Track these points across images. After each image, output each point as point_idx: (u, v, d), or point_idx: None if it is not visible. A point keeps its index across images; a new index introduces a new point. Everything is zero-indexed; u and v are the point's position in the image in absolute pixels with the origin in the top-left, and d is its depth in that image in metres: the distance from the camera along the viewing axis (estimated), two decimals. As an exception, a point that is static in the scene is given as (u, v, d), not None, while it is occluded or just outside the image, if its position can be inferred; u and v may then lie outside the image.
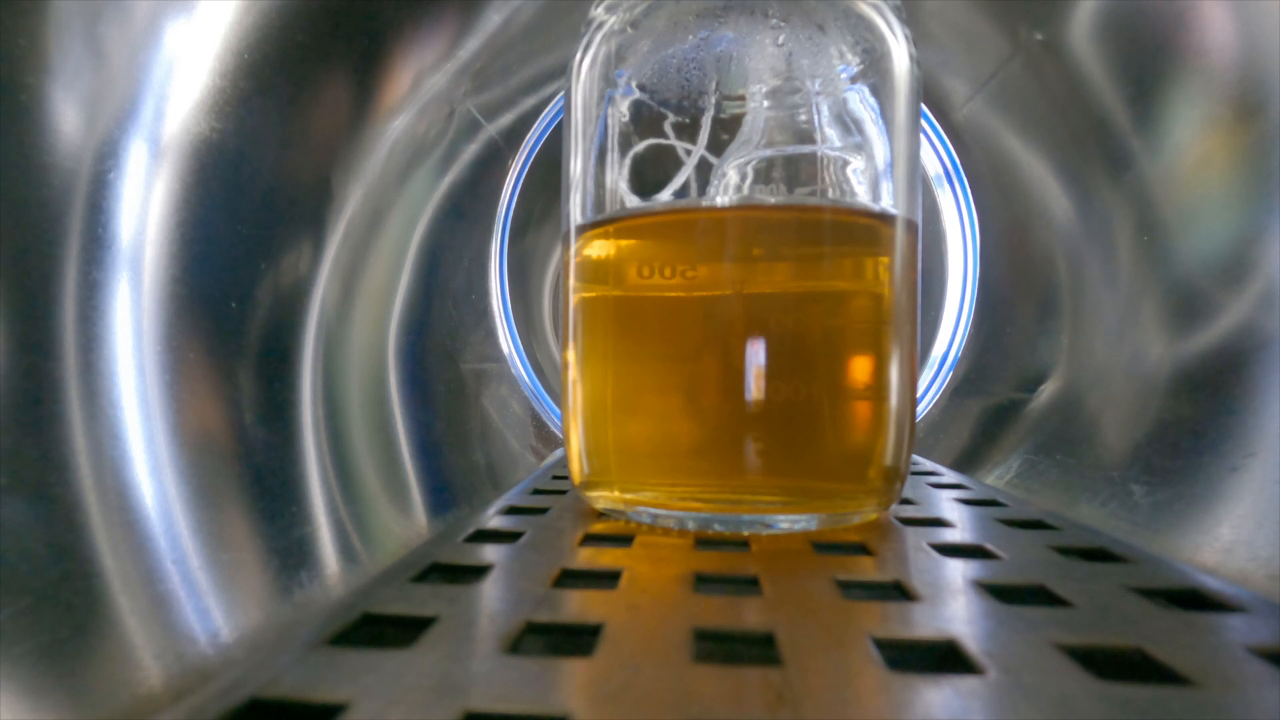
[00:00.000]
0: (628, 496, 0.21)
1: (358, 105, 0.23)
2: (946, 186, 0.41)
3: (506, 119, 0.36)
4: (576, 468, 0.22)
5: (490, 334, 0.42)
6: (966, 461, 0.35)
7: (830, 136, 0.21)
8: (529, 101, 0.38)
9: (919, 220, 0.21)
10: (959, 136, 0.39)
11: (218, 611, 0.14)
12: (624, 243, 0.21)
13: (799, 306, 0.19)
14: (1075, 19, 0.26)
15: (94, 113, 0.14)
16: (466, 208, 0.37)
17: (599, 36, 0.21)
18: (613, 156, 0.21)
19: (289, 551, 0.18)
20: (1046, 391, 0.32)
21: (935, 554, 0.18)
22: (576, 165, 0.22)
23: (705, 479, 0.20)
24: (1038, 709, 0.10)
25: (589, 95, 0.22)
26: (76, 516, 0.13)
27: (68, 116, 0.14)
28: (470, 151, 0.34)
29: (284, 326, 0.21)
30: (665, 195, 0.22)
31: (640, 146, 0.22)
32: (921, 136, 0.37)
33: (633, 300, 0.20)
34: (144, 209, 0.16)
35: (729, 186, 0.21)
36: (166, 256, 0.16)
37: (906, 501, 0.24)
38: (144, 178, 0.16)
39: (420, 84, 0.26)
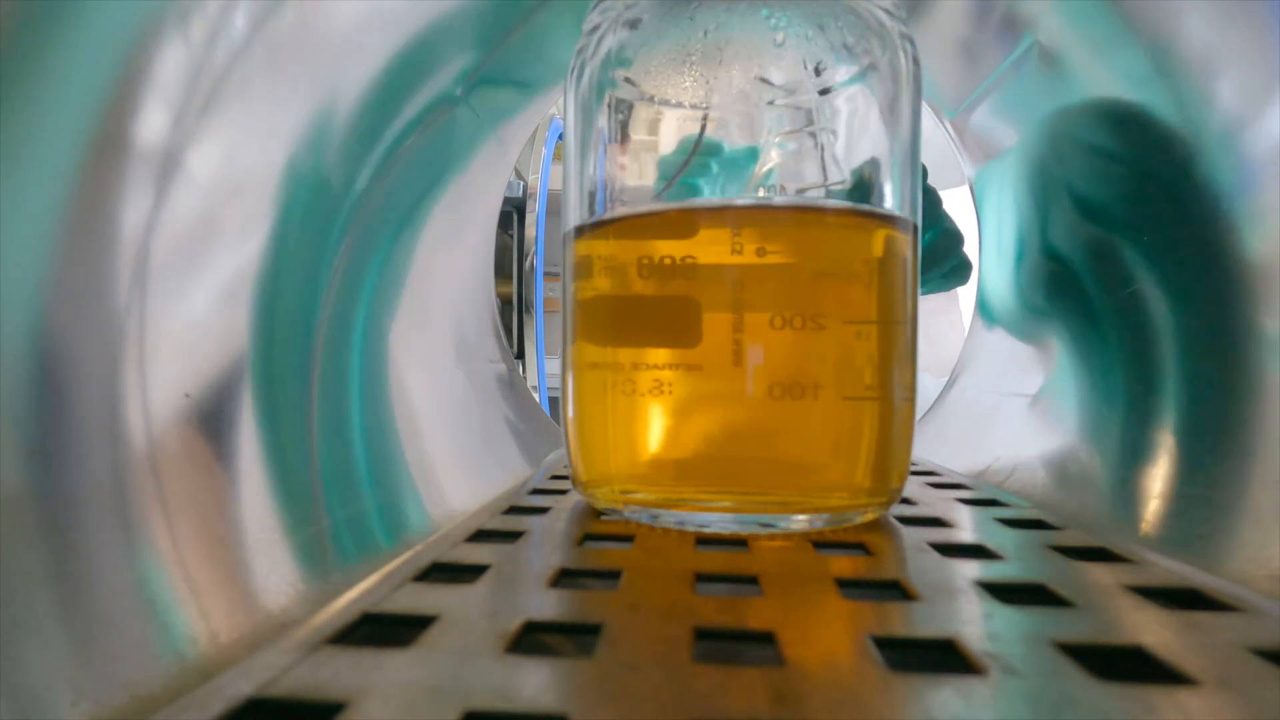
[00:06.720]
0: (627, 496, 0.21)
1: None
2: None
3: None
4: (576, 467, 0.22)
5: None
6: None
7: (830, 136, 0.21)
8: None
9: (919, 220, 0.21)
10: None
11: (218, 611, 0.14)
12: (623, 242, 0.21)
13: (798, 306, 0.19)
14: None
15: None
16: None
17: (597, 36, 0.21)
18: (611, 156, 0.21)
19: (293, 548, 0.18)
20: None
21: (935, 554, 0.18)
22: (575, 165, 0.22)
23: (705, 479, 0.20)
24: (1038, 709, 0.10)
25: (587, 95, 0.22)
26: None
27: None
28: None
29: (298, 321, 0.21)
30: (664, 195, 0.22)
31: (638, 146, 0.22)
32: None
33: (631, 299, 0.20)
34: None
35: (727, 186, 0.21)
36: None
37: (906, 501, 0.24)
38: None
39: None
